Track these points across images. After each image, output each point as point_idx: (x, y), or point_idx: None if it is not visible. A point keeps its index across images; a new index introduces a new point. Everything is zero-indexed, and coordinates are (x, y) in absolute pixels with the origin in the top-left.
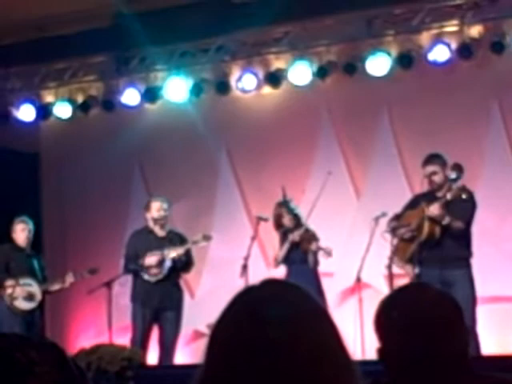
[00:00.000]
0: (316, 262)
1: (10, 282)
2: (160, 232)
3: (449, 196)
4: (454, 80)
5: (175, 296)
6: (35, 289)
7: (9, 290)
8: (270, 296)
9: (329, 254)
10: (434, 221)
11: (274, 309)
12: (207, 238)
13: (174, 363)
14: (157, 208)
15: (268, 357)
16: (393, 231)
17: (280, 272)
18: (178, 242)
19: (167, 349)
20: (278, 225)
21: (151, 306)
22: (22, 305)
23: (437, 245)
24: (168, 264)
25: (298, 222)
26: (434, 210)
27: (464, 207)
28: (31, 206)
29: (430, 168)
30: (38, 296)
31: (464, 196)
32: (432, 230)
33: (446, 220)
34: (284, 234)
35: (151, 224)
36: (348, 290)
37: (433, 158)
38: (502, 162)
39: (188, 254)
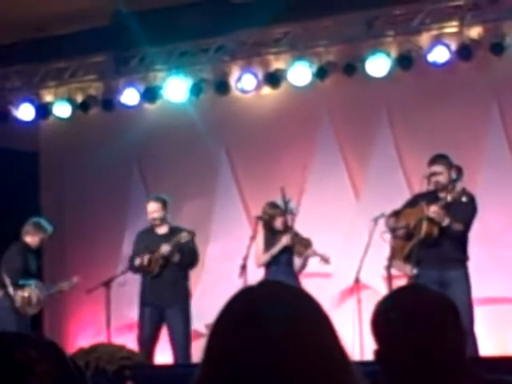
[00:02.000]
0: (304, 266)
1: (26, 286)
2: (160, 230)
3: (449, 198)
4: (454, 81)
5: (177, 293)
6: (42, 292)
7: (25, 294)
8: (268, 296)
9: (326, 261)
10: (432, 221)
11: (272, 309)
12: (191, 233)
13: (191, 361)
14: (149, 210)
15: (266, 357)
16: (392, 232)
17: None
18: (187, 238)
19: (179, 347)
20: (269, 226)
21: (153, 304)
22: (32, 310)
23: (435, 245)
24: (160, 261)
25: (287, 225)
26: (433, 210)
27: (464, 210)
28: (30, 205)
29: (436, 168)
30: (38, 301)
31: (464, 199)
32: (430, 229)
33: (446, 221)
34: (272, 234)
35: (152, 223)
36: (347, 291)
37: (439, 159)
38: (502, 162)
39: (182, 250)
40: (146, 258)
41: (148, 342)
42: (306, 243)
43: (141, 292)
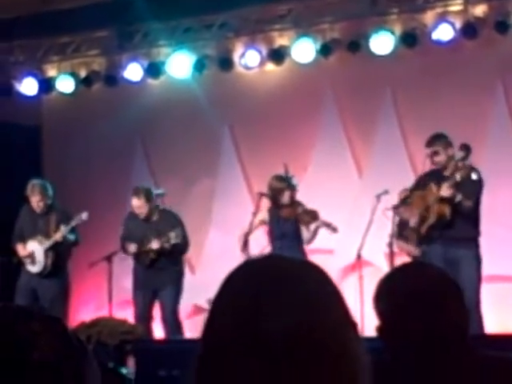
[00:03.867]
0: (313, 237)
1: (20, 247)
2: (151, 217)
3: (458, 177)
4: (458, 59)
5: (168, 276)
6: (38, 250)
7: (28, 251)
8: (272, 271)
9: (334, 229)
10: (443, 201)
11: (276, 285)
12: (180, 231)
13: (183, 335)
14: (133, 205)
15: (268, 335)
16: (398, 208)
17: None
18: (168, 227)
19: (168, 323)
20: (274, 199)
21: (145, 287)
22: (31, 269)
23: (446, 225)
24: (151, 255)
25: (294, 199)
26: (445, 190)
27: (473, 186)
28: (32, 178)
29: (433, 148)
30: (41, 256)
31: (474, 176)
32: (442, 210)
33: (458, 198)
34: (276, 208)
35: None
36: (348, 267)
37: (435, 139)
38: (505, 140)
39: (175, 243)
40: (134, 248)
41: (143, 321)
42: (314, 215)
43: (134, 277)
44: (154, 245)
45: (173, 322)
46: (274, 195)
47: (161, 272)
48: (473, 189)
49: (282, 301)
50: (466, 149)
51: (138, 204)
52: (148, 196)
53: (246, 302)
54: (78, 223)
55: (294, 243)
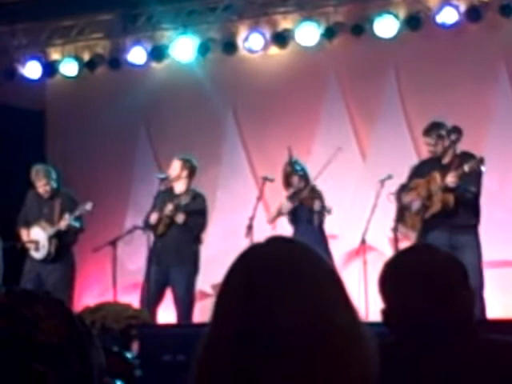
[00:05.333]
0: (321, 221)
1: (24, 232)
2: (177, 189)
3: (466, 168)
4: (462, 43)
5: (183, 254)
6: (41, 236)
7: (32, 238)
8: (276, 255)
9: (328, 212)
10: (448, 191)
11: (279, 269)
12: (196, 196)
13: (192, 321)
14: (170, 167)
15: (273, 318)
16: (407, 209)
17: (284, 231)
18: (189, 199)
19: (181, 309)
20: (288, 184)
21: (158, 263)
22: (34, 255)
23: (449, 213)
24: (165, 221)
25: (306, 181)
26: (451, 181)
27: (477, 176)
28: (36, 163)
29: (427, 140)
30: (44, 243)
31: (483, 168)
32: (446, 199)
33: (462, 188)
34: (294, 193)
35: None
36: (352, 252)
37: (429, 130)
38: (509, 124)
39: (189, 211)
40: (155, 216)
41: (151, 301)
42: (316, 197)
43: (150, 250)
44: (167, 208)
45: (185, 308)
46: (285, 180)
47: (174, 248)
48: (477, 179)
49: (283, 289)
50: (458, 132)
51: (174, 165)
52: (186, 162)
53: (250, 290)
54: (81, 213)
55: (312, 227)
